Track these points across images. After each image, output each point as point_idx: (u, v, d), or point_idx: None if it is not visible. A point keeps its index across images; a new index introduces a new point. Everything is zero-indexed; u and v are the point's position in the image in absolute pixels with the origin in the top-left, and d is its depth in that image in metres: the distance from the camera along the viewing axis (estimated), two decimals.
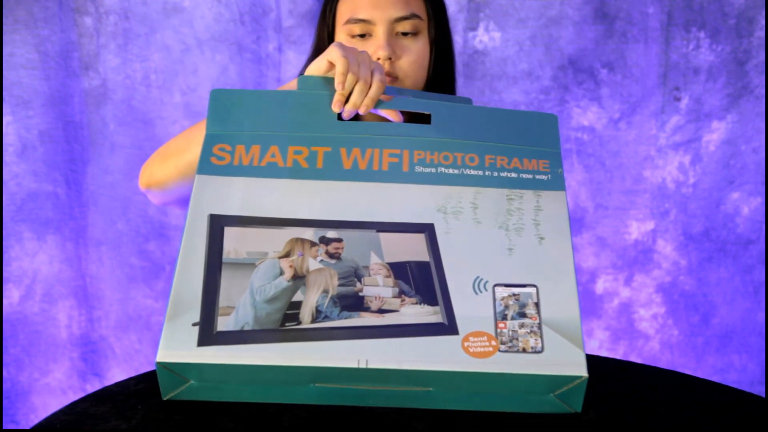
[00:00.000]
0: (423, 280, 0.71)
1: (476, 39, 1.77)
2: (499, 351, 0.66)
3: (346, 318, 0.69)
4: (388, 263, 0.72)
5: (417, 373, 0.65)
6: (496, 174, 0.78)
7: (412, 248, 0.73)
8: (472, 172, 0.78)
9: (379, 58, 1.02)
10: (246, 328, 0.69)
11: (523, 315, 0.68)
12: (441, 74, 1.09)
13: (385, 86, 0.84)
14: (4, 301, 1.83)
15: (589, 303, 1.86)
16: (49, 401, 1.87)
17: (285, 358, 0.66)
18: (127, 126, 1.80)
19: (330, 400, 0.69)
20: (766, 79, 1.75)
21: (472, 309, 0.68)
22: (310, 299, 0.70)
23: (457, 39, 1.77)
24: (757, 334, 1.85)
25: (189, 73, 1.78)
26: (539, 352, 0.66)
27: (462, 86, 1.77)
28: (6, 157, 1.79)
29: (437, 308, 0.69)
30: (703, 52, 1.76)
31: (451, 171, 0.78)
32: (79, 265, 1.85)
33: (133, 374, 0.77)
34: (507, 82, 1.78)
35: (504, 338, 0.67)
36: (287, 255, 0.73)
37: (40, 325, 1.85)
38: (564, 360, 0.65)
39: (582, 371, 0.65)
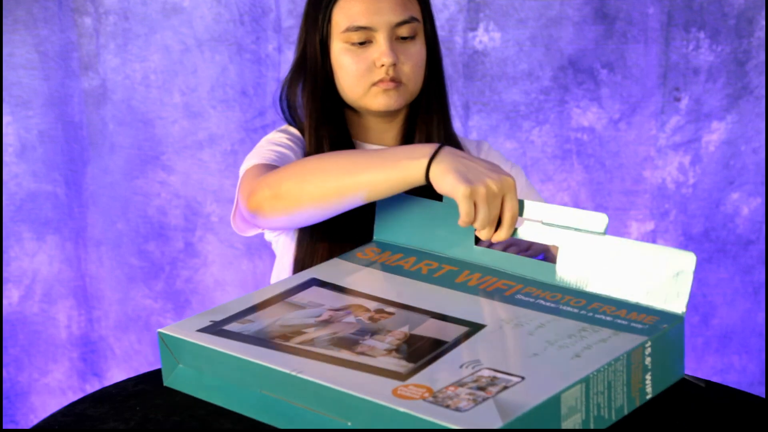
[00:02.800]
0: (426, 350, 0.67)
1: (476, 39, 1.77)
2: (424, 400, 0.59)
3: (325, 348, 0.67)
4: (411, 334, 0.70)
5: (335, 394, 0.61)
6: (590, 314, 0.72)
7: (444, 332, 0.70)
8: (568, 308, 0.73)
9: (383, 65, 1.01)
10: (244, 333, 0.71)
11: (481, 389, 0.60)
12: (433, 72, 1.09)
13: (515, 223, 0.80)
14: (4, 301, 1.83)
15: None
16: (48, 401, 1.87)
17: (241, 351, 0.67)
18: (126, 126, 1.80)
19: (268, 417, 0.67)
20: (766, 80, 1.75)
21: (438, 373, 0.63)
22: (314, 333, 0.70)
23: (457, 39, 1.76)
24: (757, 335, 1.85)
25: (189, 73, 1.78)
26: (461, 411, 0.57)
27: (461, 87, 1.77)
28: (6, 157, 1.79)
29: (411, 364, 0.64)
30: (703, 53, 1.76)
31: (547, 303, 0.74)
32: (79, 265, 1.85)
33: (132, 374, 0.77)
34: (507, 83, 1.78)
35: (441, 395, 0.59)
36: (338, 311, 0.75)
37: (39, 326, 1.85)
38: (470, 419, 0.56)
39: (492, 425, 0.55)
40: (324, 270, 0.83)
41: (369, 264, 0.84)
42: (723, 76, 1.76)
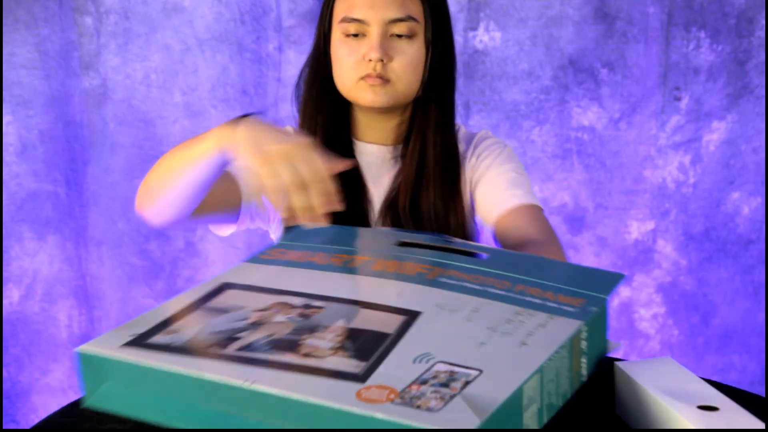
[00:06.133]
0: (371, 345, 0.66)
1: (476, 39, 1.77)
2: (392, 402, 0.58)
3: (267, 353, 0.65)
4: (349, 328, 0.68)
5: (295, 404, 0.59)
6: (519, 297, 0.72)
7: (383, 323, 0.69)
8: (496, 291, 0.73)
9: (371, 60, 1.01)
10: (174, 344, 0.67)
11: (444, 385, 0.60)
12: (438, 77, 1.07)
13: (326, 185, 0.80)
14: (5, 301, 1.83)
15: None
16: (49, 401, 1.87)
17: (181, 365, 0.64)
18: (127, 126, 1.80)
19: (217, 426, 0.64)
20: (766, 79, 1.75)
21: (396, 371, 0.62)
22: (250, 337, 0.68)
23: (458, 39, 1.76)
24: (757, 335, 1.85)
25: (189, 72, 1.78)
26: (433, 411, 0.57)
27: (462, 86, 1.77)
28: (6, 157, 1.79)
29: (363, 363, 0.63)
30: (703, 52, 1.76)
31: (474, 286, 0.74)
32: (80, 264, 1.85)
33: None
34: (507, 82, 1.78)
35: (406, 395, 0.58)
36: (264, 311, 0.72)
37: (40, 325, 1.86)
38: (453, 418, 0.56)
39: (470, 423, 0.55)
40: (233, 275, 0.81)
41: (274, 262, 0.83)
42: (723, 76, 1.76)
